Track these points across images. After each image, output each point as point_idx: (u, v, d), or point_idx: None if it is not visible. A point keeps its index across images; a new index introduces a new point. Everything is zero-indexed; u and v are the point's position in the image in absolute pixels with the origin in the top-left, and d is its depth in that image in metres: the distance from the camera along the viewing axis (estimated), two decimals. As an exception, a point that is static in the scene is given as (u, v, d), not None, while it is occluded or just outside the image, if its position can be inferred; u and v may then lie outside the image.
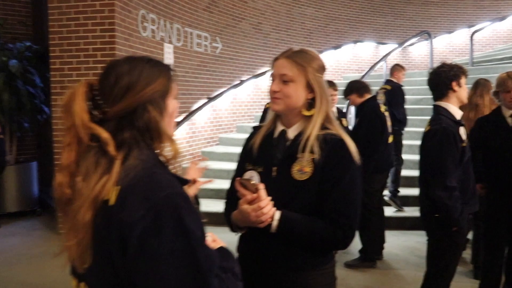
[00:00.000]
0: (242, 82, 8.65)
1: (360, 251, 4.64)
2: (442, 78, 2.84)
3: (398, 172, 6.06)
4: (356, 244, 4.92)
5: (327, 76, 1.80)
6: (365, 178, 4.51)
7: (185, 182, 1.18)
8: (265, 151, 1.74)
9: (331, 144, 1.63)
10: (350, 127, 5.25)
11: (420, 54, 11.91)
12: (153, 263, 1.02)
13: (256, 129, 1.84)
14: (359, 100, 4.63)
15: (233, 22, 8.64)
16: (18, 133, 6.82)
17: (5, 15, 7.31)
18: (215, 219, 3.63)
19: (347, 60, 11.27)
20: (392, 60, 9.33)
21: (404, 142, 6.44)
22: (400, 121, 6.17)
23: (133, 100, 1.14)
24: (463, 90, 2.86)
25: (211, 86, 8.01)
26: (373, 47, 11.57)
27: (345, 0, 11.19)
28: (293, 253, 1.65)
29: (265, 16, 9.47)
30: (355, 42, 11.32)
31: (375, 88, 8.87)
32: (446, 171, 2.72)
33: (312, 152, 1.62)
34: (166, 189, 1.07)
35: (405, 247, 5.10)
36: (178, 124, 6.86)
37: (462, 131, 2.83)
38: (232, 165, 1.95)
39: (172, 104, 1.22)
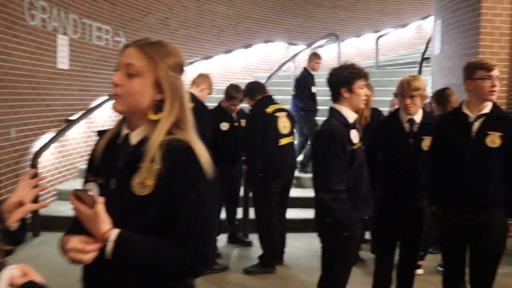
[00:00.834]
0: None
1: (260, 257, 4.50)
2: (333, 83, 2.84)
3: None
4: (256, 249, 4.80)
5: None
6: (258, 183, 4.44)
7: None
8: (107, 159, 1.46)
9: (175, 153, 1.37)
10: None
11: (329, 56, 12.08)
12: None
13: (101, 133, 1.55)
14: (251, 103, 4.67)
15: (138, 16, 8.26)
16: None
17: None
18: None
19: (257, 60, 11.19)
20: (302, 61, 9.35)
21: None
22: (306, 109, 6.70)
23: None
24: (355, 96, 2.80)
25: (112, 82, 7.56)
26: (284, 48, 11.59)
27: (256, -1, 11.15)
28: (132, 282, 1.37)
29: (173, 11, 9.16)
30: (266, 42, 11.29)
31: (284, 89, 9.00)
32: (331, 173, 2.68)
33: (154, 161, 1.37)
34: None
35: (308, 250, 5.03)
36: (75, 122, 6.38)
37: (354, 135, 2.79)
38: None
39: None
